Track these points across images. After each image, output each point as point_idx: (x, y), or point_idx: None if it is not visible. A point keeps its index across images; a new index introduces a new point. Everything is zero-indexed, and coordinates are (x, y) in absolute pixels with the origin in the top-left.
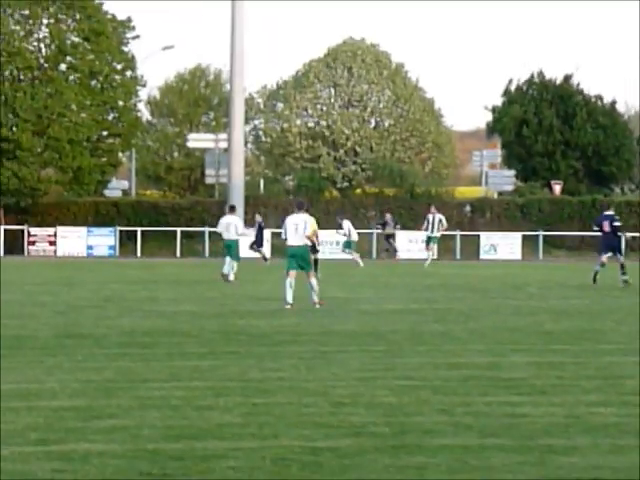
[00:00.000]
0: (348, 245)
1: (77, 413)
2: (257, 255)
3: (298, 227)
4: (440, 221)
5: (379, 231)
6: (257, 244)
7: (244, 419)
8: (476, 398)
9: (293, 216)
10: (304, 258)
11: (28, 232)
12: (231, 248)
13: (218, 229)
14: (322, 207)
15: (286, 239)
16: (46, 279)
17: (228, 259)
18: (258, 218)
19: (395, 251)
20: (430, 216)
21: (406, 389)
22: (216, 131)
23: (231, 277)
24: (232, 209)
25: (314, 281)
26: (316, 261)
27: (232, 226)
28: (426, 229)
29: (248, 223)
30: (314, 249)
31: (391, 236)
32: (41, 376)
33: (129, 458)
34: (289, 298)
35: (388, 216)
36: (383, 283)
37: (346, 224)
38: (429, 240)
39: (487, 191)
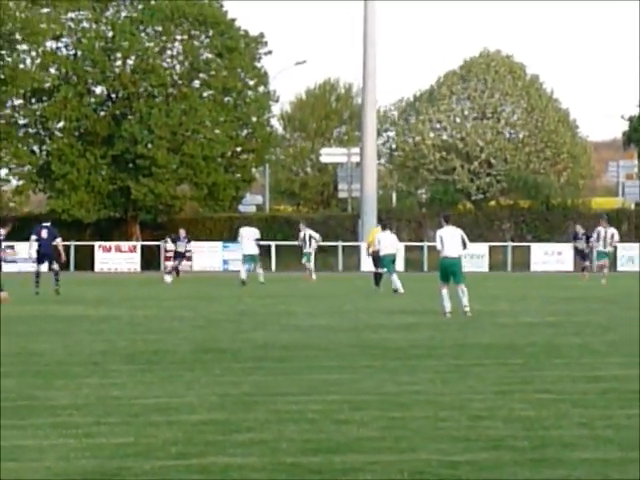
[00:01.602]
0: (306, 256)
1: (216, 427)
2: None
3: (455, 240)
4: (612, 236)
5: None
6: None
7: (381, 433)
8: (616, 411)
9: (447, 229)
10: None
11: (164, 248)
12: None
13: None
14: (456, 219)
15: (440, 251)
16: (184, 294)
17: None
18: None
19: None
20: (601, 230)
21: (545, 402)
22: (348, 145)
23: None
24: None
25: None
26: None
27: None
28: (596, 242)
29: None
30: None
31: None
32: (180, 390)
33: (268, 471)
34: (448, 307)
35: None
36: (519, 295)
37: (305, 233)
38: (600, 255)
39: (624, 202)
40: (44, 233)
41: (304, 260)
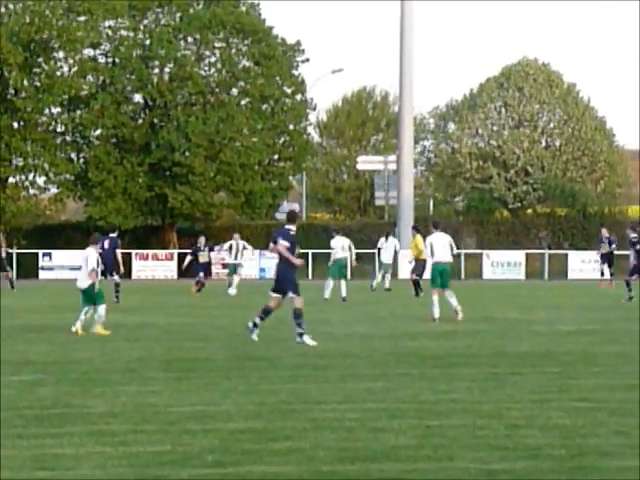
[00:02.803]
0: (232, 268)
1: (253, 435)
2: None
3: (445, 246)
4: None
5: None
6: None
7: (418, 441)
8: None
9: (436, 235)
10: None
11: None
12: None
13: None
14: (493, 228)
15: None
16: (222, 302)
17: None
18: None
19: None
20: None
21: (582, 411)
22: (384, 153)
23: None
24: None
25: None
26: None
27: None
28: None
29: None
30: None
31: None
32: (217, 398)
33: None
34: (437, 313)
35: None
36: (555, 304)
37: (231, 244)
38: None
39: None
40: (106, 244)
41: (229, 272)
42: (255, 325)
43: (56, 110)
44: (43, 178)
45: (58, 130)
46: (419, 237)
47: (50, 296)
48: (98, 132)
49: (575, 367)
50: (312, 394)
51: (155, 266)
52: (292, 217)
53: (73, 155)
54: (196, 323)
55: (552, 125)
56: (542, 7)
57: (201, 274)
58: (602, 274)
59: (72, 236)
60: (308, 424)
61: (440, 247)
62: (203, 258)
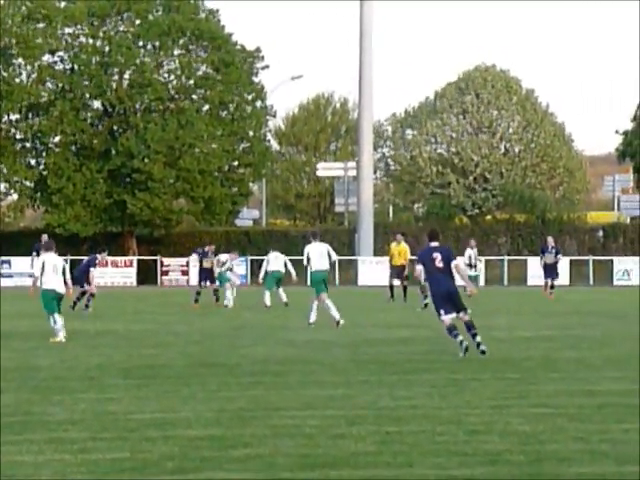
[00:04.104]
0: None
1: (212, 442)
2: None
3: (323, 254)
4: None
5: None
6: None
7: (378, 447)
8: (612, 425)
9: (314, 245)
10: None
11: (161, 262)
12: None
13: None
14: (452, 234)
15: (310, 265)
16: (179, 309)
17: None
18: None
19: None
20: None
21: (541, 417)
22: (343, 159)
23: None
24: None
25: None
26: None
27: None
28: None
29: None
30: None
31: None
32: (176, 405)
33: None
34: (313, 318)
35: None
36: (515, 310)
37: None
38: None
39: (619, 216)
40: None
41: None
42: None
43: (15, 117)
44: (3, 184)
45: (17, 137)
46: (405, 244)
47: (9, 303)
48: (57, 139)
49: (534, 373)
50: (272, 401)
51: (114, 273)
52: (434, 235)
53: (32, 162)
54: (155, 329)
55: (511, 131)
56: (500, 12)
57: (202, 283)
58: (551, 287)
59: (31, 243)
60: (267, 431)
61: (317, 256)
62: (207, 264)
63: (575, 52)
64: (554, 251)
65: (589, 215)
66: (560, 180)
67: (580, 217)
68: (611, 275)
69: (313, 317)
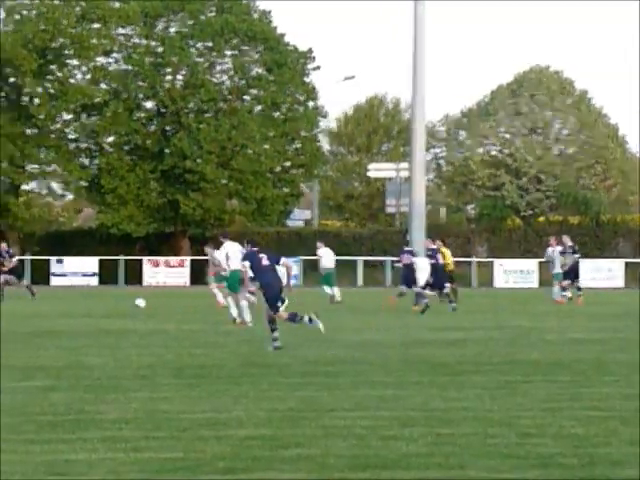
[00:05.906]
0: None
1: (263, 442)
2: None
3: (238, 255)
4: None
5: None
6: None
7: (429, 449)
8: None
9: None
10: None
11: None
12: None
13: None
14: (505, 235)
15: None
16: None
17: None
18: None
19: None
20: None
21: (594, 420)
22: (395, 160)
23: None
24: None
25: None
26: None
27: None
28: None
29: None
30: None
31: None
32: (228, 405)
33: None
34: (247, 318)
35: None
36: (566, 312)
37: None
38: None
39: None
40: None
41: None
42: None
43: (69, 117)
44: (60, 185)
45: (71, 137)
46: (446, 249)
47: (61, 302)
48: (111, 139)
49: (587, 375)
50: (323, 401)
51: (167, 273)
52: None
53: (86, 162)
54: (205, 329)
55: (565, 132)
56: (555, 14)
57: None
58: (578, 289)
59: (85, 243)
60: (319, 431)
61: (237, 255)
62: None
63: (629, 52)
64: (571, 251)
65: None
66: (614, 181)
67: (634, 219)
68: None
69: (235, 313)
